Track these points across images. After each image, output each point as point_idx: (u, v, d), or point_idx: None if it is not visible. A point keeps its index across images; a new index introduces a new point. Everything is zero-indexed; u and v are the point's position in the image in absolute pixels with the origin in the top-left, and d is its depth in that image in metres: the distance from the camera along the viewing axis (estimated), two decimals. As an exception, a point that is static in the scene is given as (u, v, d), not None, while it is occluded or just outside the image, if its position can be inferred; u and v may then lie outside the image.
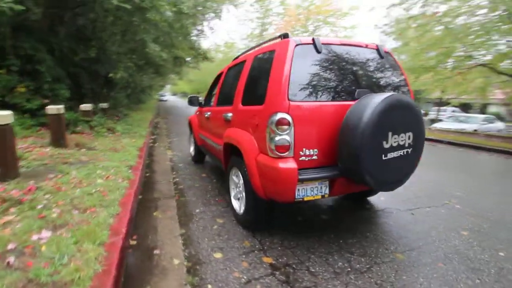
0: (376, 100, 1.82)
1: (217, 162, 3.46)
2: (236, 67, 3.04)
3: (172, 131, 9.32)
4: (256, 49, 2.74)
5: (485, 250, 2.26)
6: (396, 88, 2.38)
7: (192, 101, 4.27)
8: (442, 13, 8.82)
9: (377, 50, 2.37)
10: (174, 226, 2.62)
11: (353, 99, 2.12)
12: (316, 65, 2.08)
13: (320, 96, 2.05)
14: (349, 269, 2.00)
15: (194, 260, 2.11)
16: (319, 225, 2.70)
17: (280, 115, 1.91)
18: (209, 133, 3.60)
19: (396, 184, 2.08)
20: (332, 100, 2.07)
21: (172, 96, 77.66)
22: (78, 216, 2.42)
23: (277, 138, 1.93)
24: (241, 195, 2.62)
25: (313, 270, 2.00)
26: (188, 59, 17.25)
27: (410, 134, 1.98)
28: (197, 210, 2.99)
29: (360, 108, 1.85)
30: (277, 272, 1.96)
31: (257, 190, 2.18)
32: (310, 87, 2.03)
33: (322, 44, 2.10)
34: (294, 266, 2.04)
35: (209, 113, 3.58)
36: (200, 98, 4.31)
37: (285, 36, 2.25)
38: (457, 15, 8.72)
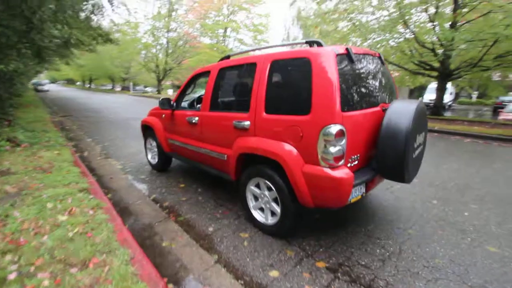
0: (411, 108, 2.10)
1: (213, 171, 3.18)
2: (239, 69, 2.80)
3: (92, 133, 7.73)
4: (265, 51, 2.60)
5: (455, 212, 3.02)
6: (392, 90, 2.76)
7: (164, 103, 3.67)
8: (348, 9, 10.31)
9: (379, 57, 2.66)
10: (200, 254, 2.33)
11: (376, 105, 2.36)
12: (351, 74, 2.18)
13: (359, 104, 2.18)
14: (387, 253, 2.32)
15: (255, 286, 1.98)
16: (335, 219, 2.93)
17: (337, 127, 1.95)
18: (199, 141, 3.24)
19: (415, 176, 2.49)
20: (366, 108, 2.24)
21: (51, 84, 63.09)
22: (83, 276, 1.85)
23: (332, 149, 1.97)
24: (267, 206, 2.56)
25: (363, 262, 2.21)
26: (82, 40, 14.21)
27: (424, 133, 2.40)
28: (210, 229, 2.73)
29: (399, 115, 2.09)
30: (339, 274, 2.08)
31: (303, 199, 2.18)
32: (351, 96, 2.13)
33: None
34: (346, 264, 2.20)
35: (196, 118, 3.19)
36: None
37: (317, 43, 2.24)
38: (359, 12, 10.37)
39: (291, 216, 2.34)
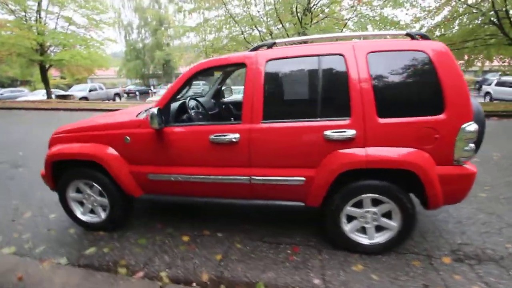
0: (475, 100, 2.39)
1: (267, 204, 2.31)
2: (310, 62, 2.06)
3: None
4: (352, 42, 2.08)
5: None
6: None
7: (157, 118, 2.10)
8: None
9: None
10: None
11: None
12: None
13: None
14: (464, 228, 2.62)
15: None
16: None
17: (474, 124, 1.92)
18: (240, 167, 2.20)
19: None
20: None
21: None
22: None
23: (470, 146, 1.94)
24: (374, 223, 2.20)
25: (460, 241, 2.40)
26: None
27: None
28: (317, 281, 2.01)
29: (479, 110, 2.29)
30: (471, 261, 2.13)
31: (436, 201, 2.03)
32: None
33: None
34: (455, 248, 2.31)
35: (235, 135, 2.10)
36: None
37: (423, 36, 2.03)
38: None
39: (413, 224, 2.16)
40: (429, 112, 1.93)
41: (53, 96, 17.22)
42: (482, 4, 9.13)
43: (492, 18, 8.65)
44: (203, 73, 2.30)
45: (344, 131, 1.99)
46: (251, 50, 2.22)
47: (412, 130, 1.95)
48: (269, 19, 10.42)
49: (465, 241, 2.42)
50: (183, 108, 2.68)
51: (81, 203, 2.68)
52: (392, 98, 2.00)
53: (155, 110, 2.09)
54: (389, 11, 10.11)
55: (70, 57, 13.74)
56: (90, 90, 18.92)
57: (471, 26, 9.58)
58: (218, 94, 3.70)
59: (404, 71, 2.01)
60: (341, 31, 10.06)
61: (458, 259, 2.19)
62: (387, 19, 10.08)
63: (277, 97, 2.15)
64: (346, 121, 2.00)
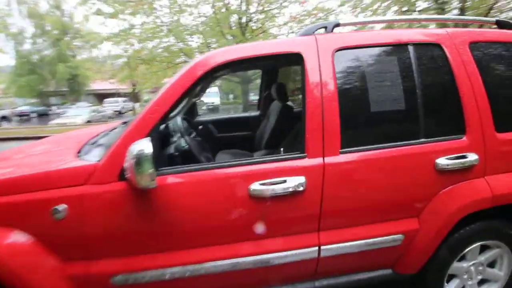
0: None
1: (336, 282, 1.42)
2: (392, 54, 1.34)
3: None
4: (443, 30, 1.45)
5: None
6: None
7: (150, 161, 0.93)
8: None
9: None
10: None
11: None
12: None
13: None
14: None
15: None
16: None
17: None
18: (304, 233, 1.25)
19: None
20: None
21: None
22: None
23: None
24: (478, 277, 1.57)
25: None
26: None
27: None
28: None
29: None
30: None
31: None
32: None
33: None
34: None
35: (299, 179, 1.14)
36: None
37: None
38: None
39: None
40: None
41: None
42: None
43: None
44: (221, 71, 1.29)
45: (465, 156, 1.30)
46: (303, 35, 1.34)
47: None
48: (207, 29, 9.52)
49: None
50: (167, 136, 1.53)
51: None
52: (508, 103, 1.44)
53: (144, 147, 0.95)
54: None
55: None
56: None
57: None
58: (192, 111, 2.60)
59: (508, 63, 1.49)
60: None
61: None
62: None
63: (360, 109, 1.32)
64: (462, 140, 1.33)
